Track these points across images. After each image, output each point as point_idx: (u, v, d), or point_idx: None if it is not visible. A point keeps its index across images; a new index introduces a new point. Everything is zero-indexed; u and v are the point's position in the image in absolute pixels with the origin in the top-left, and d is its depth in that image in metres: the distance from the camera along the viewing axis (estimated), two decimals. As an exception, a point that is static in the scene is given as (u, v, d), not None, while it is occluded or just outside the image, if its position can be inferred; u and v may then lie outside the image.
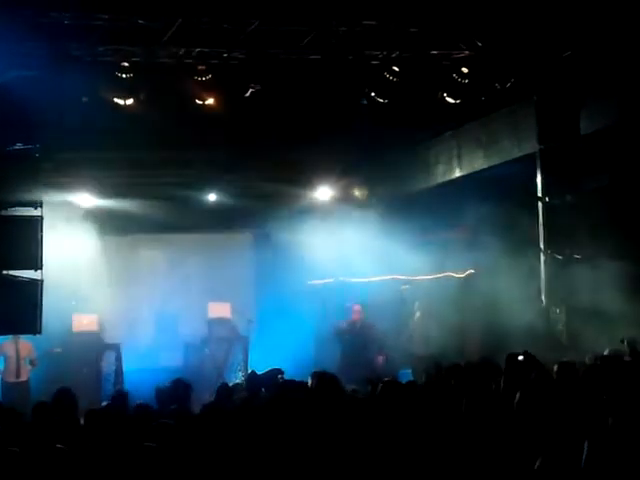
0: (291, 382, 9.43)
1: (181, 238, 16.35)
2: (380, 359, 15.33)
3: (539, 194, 13.38)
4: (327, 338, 15.94)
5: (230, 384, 11.30)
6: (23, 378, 14.37)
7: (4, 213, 14.02)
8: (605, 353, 10.32)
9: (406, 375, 13.53)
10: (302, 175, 16.24)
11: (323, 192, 17.33)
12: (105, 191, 15.86)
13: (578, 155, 13.12)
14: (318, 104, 12.92)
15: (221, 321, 15.89)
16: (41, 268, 13.90)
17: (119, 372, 15.39)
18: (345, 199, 17.44)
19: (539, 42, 12.14)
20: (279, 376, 10.14)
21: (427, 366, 10.75)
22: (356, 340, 15.26)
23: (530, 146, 13.59)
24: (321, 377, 9.21)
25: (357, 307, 15.72)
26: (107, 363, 15.44)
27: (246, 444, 7.02)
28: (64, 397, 8.79)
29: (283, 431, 7.29)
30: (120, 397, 9.31)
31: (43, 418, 8.00)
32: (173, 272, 15.62)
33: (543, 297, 13.16)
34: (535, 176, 13.40)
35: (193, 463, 6.62)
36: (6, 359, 14.43)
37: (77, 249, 15.36)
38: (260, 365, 12.76)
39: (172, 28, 11.35)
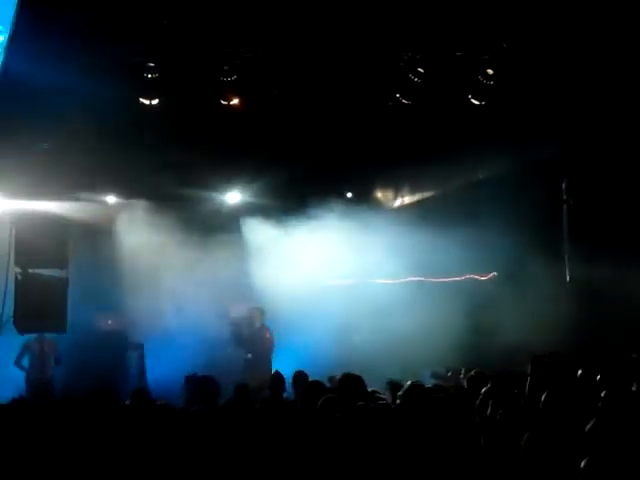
0: (316, 383, 9.43)
1: (203, 240, 16.31)
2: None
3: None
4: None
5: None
6: (47, 375, 14.46)
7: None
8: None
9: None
10: (328, 174, 16.17)
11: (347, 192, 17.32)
12: (130, 192, 15.92)
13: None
14: (344, 105, 12.93)
15: (244, 320, 15.90)
16: (67, 267, 14.07)
17: (142, 371, 15.47)
18: (370, 199, 17.41)
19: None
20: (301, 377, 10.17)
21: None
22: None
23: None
24: (345, 378, 9.27)
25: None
26: (131, 361, 15.51)
27: (265, 443, 7.02)
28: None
29: (303, 432, 7.29)
30: (141, 395, 9.34)
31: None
32: (195, 271, 15.58)
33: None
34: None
35: (218, 461, 6.63)
36: (31, 357, 14.52)
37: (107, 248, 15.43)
38: (283, 365, 12.80)
39: (198, 28, 11.39)
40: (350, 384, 9.28)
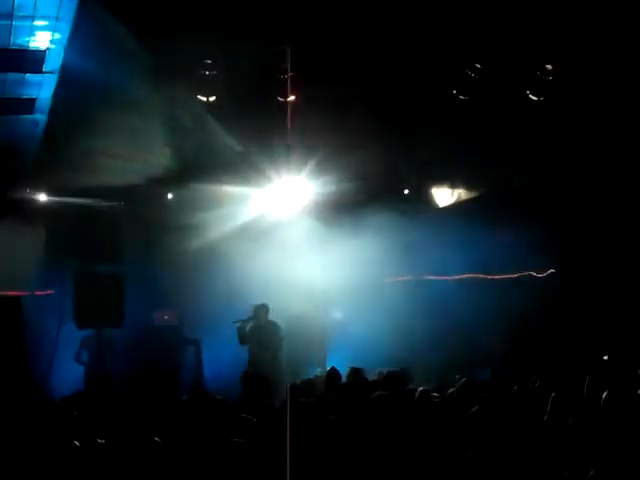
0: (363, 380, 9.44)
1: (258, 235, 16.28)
2: None
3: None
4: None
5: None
6: (105, 370, 14.57)
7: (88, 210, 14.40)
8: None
9: (484, 374, 13.37)
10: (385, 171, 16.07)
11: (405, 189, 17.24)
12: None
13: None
14: (401, 102, 12.89)
15: (301, 317, 15.91)
16: (123, 263, 14.21)
17: (199, 366, 15.55)
18: (427, 196, 17.31)
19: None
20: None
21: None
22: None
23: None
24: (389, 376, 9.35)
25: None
26: (187, 357, 15.61)
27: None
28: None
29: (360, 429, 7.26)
30: (198, 390, 9.40)
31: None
32: (248, 267, 15.58)
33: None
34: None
35: (272, 458, 6.63)
36: (90, 352, 14.67)
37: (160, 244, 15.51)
38: (339, 362, 12.78)
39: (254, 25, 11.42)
40: (395, 381, 9.33)
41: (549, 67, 12.43)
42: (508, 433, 6.96)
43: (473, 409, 7.35)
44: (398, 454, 6.69)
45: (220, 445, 6.49)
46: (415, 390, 9.09)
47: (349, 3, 11.07)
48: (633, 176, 14.86)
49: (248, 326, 14.38)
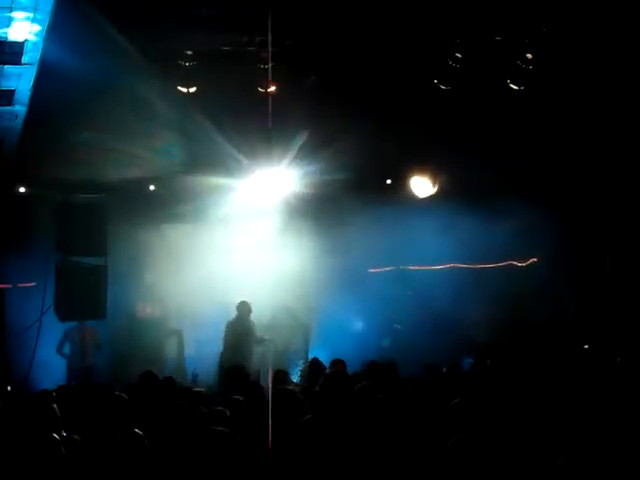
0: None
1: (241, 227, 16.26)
2: None
3: None
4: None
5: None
6: (88, 363, 14.57)
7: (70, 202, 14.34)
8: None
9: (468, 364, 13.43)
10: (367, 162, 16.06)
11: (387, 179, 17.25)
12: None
13: None
14: (382, 92, 12.87)
15: (284, 308, 15.93)
16: (106, 255, 14.17)
17: (181, 358, 15.56)
18: (410, 186, 17.31)
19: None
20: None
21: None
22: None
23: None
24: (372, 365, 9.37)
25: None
26: (169, 348, 15.61)
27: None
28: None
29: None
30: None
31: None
32: (233, 259, 15.57)
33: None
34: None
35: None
36: (72, 344, 14.64)
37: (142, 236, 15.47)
38: (320, 353, 12.81)
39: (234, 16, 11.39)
40: (379, 371, 9.36)
41: (529, 56, 12.44)
42: (490, 421, 6.99)
43: (455, 400, 7.38)
44: (380, 444, 6.70)
45: (202, 436, 6.48)
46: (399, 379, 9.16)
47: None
48: (614, 164, 14.94)
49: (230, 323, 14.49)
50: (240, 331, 14.35)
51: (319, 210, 16.28)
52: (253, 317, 14.68)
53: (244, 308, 14.52)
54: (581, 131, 14.40)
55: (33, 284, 14.61)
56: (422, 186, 17.31)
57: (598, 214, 15.58)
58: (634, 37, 11.99)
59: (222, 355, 14.04)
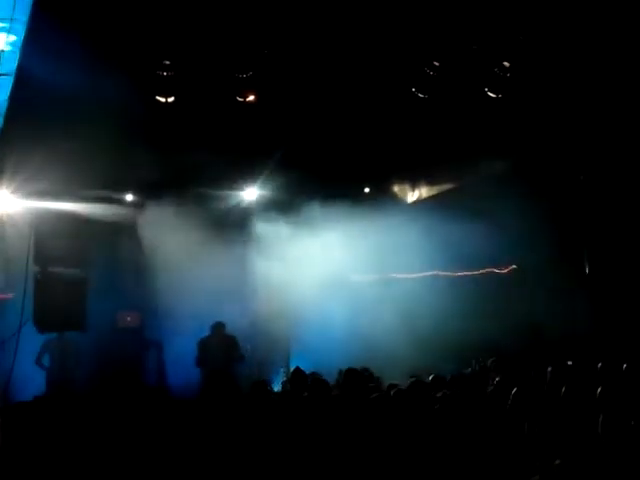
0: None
1: (221, 239, 16.23)
2: None
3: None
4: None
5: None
6: (68, 374, 14.45)
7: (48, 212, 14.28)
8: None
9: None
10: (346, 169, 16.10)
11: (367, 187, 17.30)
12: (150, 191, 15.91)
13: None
14: (361, 100, 12.91)
15: (267, 317, 15.93)
16: (86, 266, 14.11)
17: (162, 368, 15.51)
18: (390, 194, 17.35)
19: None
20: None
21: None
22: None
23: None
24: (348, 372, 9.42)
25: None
26: (149, 359, 15.56)
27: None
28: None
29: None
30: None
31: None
32: (212, 270, 15.54)
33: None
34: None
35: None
36: (51, 356, 14.54)
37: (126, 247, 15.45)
38: (300, 362, 12.79)
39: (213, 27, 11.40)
40: (353, 378, 9.40)
41: (507, 64, 12.49)
42: (472, 427, 7.03)
43: (436, 406, 7.41)
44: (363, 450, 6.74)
45: (184, 444, 6.49)
46: (377, 387, 9.17)
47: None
48: (594, 169, 14.99)
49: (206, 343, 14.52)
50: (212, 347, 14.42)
51: (299, 218, 16.29)
52: (232, 330, 14.71)
53: (219, 328, 14.60)
54: (559, 138, 14.46)
55: (11, 295, 14.52)
56: (401, 193, 17.38)
57: (579, 220, 15.62)
58: (611, 43, 12.06)
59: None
